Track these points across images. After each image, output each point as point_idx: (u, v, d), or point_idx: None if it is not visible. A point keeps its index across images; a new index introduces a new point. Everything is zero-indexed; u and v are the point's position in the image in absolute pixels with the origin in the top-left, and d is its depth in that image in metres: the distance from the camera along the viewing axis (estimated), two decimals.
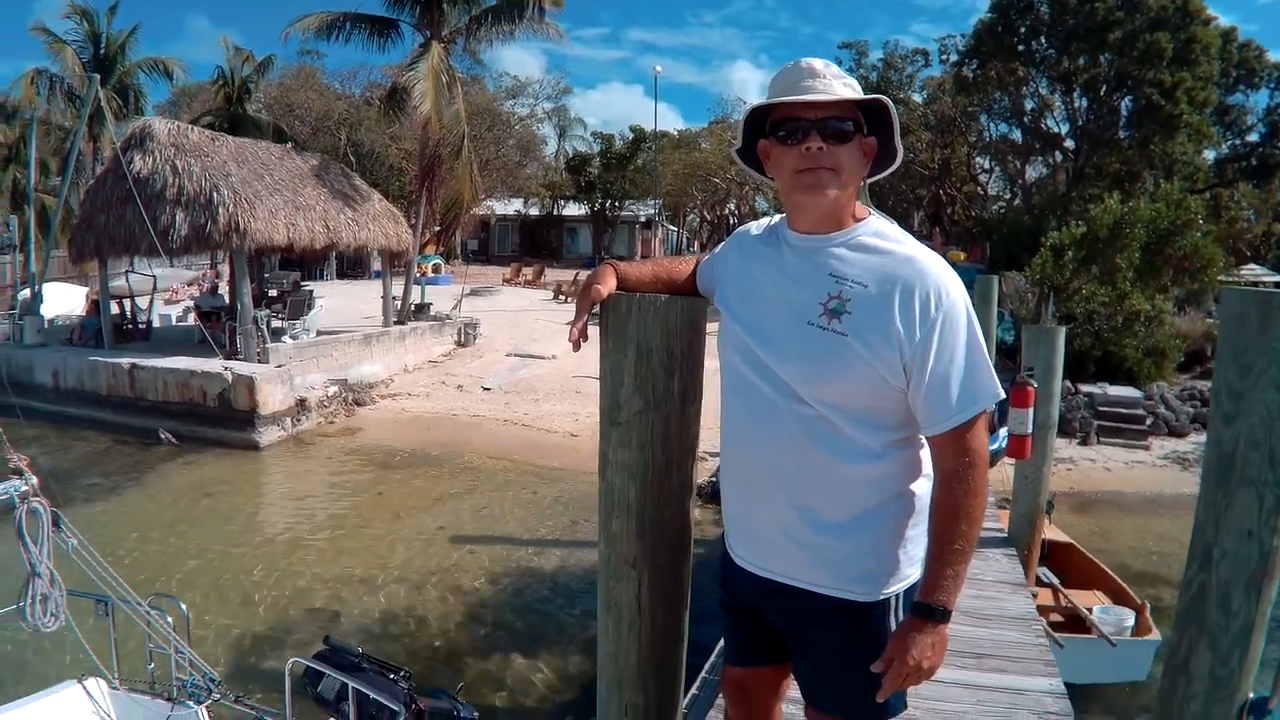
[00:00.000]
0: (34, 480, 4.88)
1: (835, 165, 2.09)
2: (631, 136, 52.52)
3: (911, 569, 2.27)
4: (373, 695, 4.61)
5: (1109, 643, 7.48)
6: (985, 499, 2.12)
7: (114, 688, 5.62)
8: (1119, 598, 8.67)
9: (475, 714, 5.02)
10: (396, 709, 4.58)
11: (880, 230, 2.18)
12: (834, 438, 2.13)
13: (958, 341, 2.05)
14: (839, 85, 2.11)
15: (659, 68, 52.74)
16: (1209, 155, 33.86)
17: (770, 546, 2.30)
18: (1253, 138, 34.46)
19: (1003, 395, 2.14)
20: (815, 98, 2.07)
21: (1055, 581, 8.40)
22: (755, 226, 2.43)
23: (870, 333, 2.05)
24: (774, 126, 2.16)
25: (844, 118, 2.10)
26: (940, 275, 2.07)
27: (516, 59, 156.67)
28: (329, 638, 5.34)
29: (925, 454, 2.23)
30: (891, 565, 2.23)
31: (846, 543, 2.20)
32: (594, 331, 2.27)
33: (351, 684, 4.64)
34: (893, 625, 2.23)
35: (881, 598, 2.24)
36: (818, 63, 2.15)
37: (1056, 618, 7.88)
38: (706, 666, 5.33)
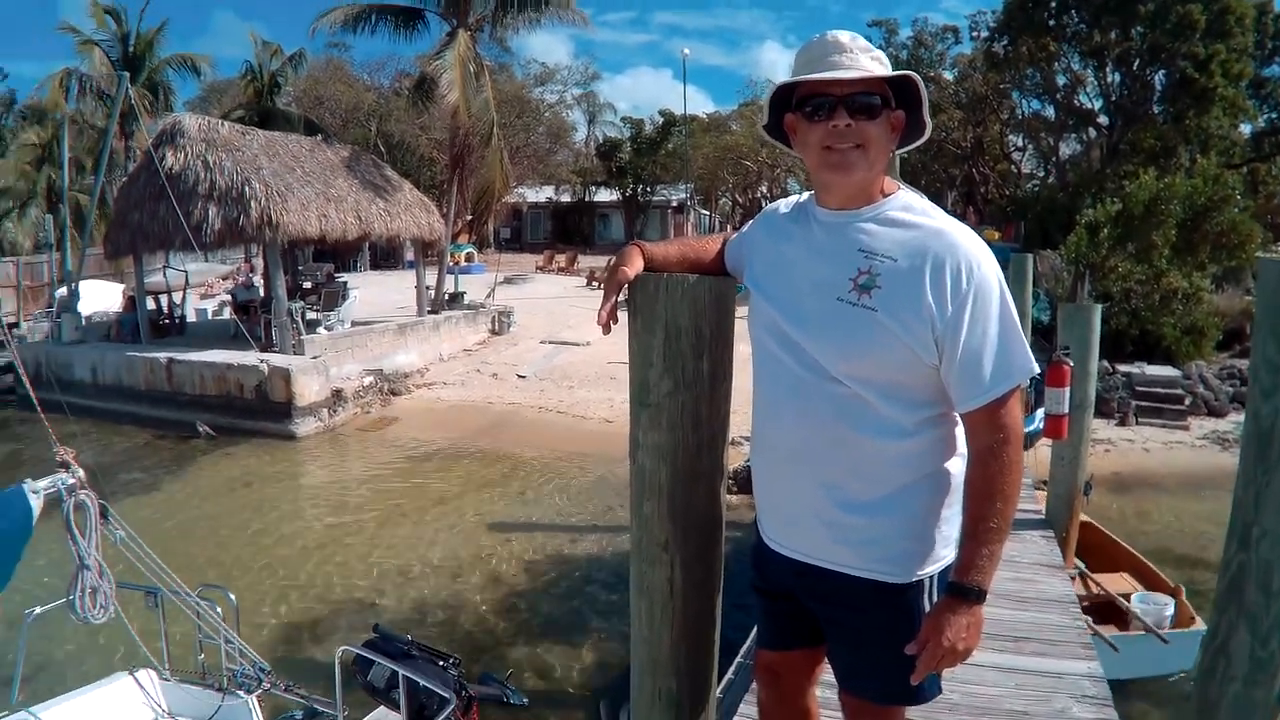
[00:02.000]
0: (80, 473, 4.89)
1: (863, 141, 2.04)
2: (661, 121, 52.23)
3: (946, 550, 2.23)
4: (423, 683, 4.61)
5: (1161, 639, 7.28)
6: (1020, 476, 2.07)
7: (165, 678, 5.67)
8: (1148, 580, 8.48)
9: (525, 700, 5.03)
10: (447, 696, 4.58)
11: (909, 204, 2.13)
12: (865, 415, 2.09)
13: (990, 316, 2.01)
14: (866, 59, 2.07)
15: (687, 50, 52.29)
16: (1245, 129, 33.36)
17: (801, 528, 2.28)
18: None
19: (1037, 371, 2.09)
20: (843, 74, 2.02)
21: (1082, 566, 8.22)
22: (784, 204, 2.39)
23: (901, 308, 2.01)
24: (800, 101, 2.10)
25: (872, 92, 2.05)
26: (971, 248, 2.03)
27: (544, 45, 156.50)
28: (378, 626, 5.35)
29: (959, 432, 2.19)
30: (926, 546, 2.20)
31: (879, 523, 2.17)
32: (624, 317, 2.26)
33: (402, 671, 4.64)
34: (927, 607, 2.19)
35: (915, 579, 2.21)
36: (844, 35, 2.10)
37: (1086, 605, 7.70)
38: (742, 651, 5.32)
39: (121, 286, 26.08)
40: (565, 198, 53.88)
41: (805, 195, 2.34)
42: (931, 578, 2.23)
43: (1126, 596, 7.91)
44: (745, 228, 2.48)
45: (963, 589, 2.05)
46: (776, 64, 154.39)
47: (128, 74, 25.35)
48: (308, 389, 16.77)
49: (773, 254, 2.29)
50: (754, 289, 2.31)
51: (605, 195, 53.80)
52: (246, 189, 17.65)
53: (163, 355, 17.93)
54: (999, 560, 2.08)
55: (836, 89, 2.04)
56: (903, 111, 2.13)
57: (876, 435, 2.10)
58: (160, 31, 35.79)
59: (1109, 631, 7.23)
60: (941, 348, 2.02)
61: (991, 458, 2.04)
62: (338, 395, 17.74)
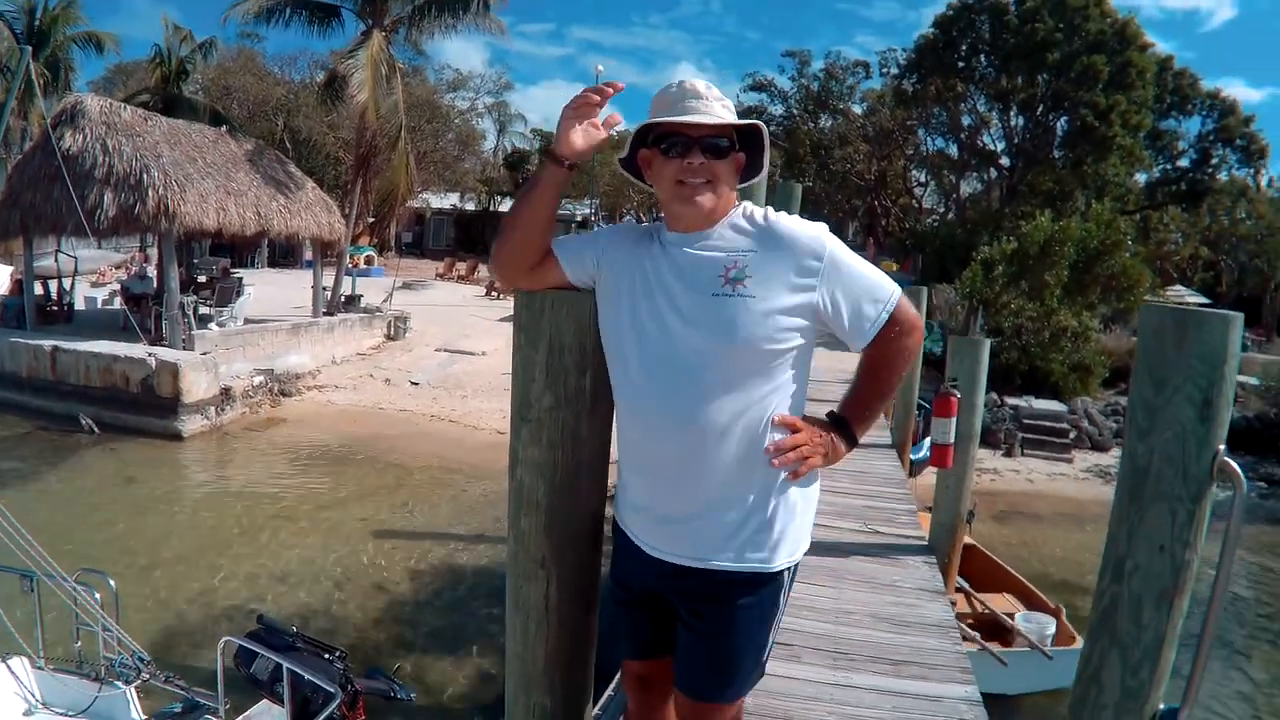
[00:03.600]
0: None
1: (712, 177, 2.26)
2: None
3: (804, 542, 2.43)
4: (307, 676, 4.51)
5: (1045, 655, 7.52)
6: (910, 358, 2.37)
7: (39, 667, 5.50)
8: (1030, 601, 8.79)
9: (412, 694, 4.97)
10: (332, 690, 4.49)
11: (748, 210, 2.35)
12: (742, 414, 2.24)
13: (851, 267, 2.27)
14: (719, 107, 2.29)
15: (600, 67, 52.68)
16: (1140, 178, 34.50)
17: (681, 530, 2.33)
18: (1183, 163, 35.02)
19: (900, 290, 2.34)
20: (701, 119, 2.24)
21: (965, 585, 8.47)
22: (631, 228, 2.52)
23: (773, 288, 2.22)
24: (657, 139, 2.32)
25: (721, 135, 2.28)
26: (813, 226, 2.31)
27: (459, 51, 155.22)
28: (262, 616, 5.23)
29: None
30: (792, 535, 2.36)
31: (753, 517, 2.30)
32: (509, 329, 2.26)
33: (285, 664, 4.54)
34: (782, 600, 2.41)
35: (780, 568, 2.36)
36: (700, 84, 2.33)
37: (972, 623, 7.93)
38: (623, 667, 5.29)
39: (9, 269, 25.27)
40: (470, 206, 53.52)
41: (652, 224, 2.50)
42: (789, 570, 2.41)
43: (1010, 616, 8.13)
44: (581, 236, 2.58)
45: (840, 420, 2.38)
46: None
47: (30, 48, 24.57)
48: (196, 385, 16.38)
49: (634, 267, 2.37)
50: (618, 298, 2.36)
51: (510, 206, 53.62)
52: (145, 176, 17.20)
53: (48, 343, 17.36)
54: (874, 417, 2.47)
55: (692, 131, 2.26)
56: (744, 154, 2.36)
57: (755, 431, 2.25)
58: (70, 7, 34.82)
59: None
60: (824, 309, 2.26)
61: (886, 344, 2.31)
62: (226, 393, 17.37)
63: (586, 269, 2.43)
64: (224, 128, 23.98)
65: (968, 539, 9.62)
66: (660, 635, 2.56)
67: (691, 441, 2.24)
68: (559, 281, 2.41)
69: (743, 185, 2.43)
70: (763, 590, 2.37)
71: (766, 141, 2.39)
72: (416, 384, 20.15)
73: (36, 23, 34.01)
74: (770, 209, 2.38)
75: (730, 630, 2.40)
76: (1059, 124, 32.00)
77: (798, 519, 2.38)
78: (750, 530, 2.30)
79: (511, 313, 2.35)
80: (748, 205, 2.37)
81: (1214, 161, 34.40)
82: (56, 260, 21.92)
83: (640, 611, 2.56)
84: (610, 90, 2.31)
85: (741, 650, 2.42)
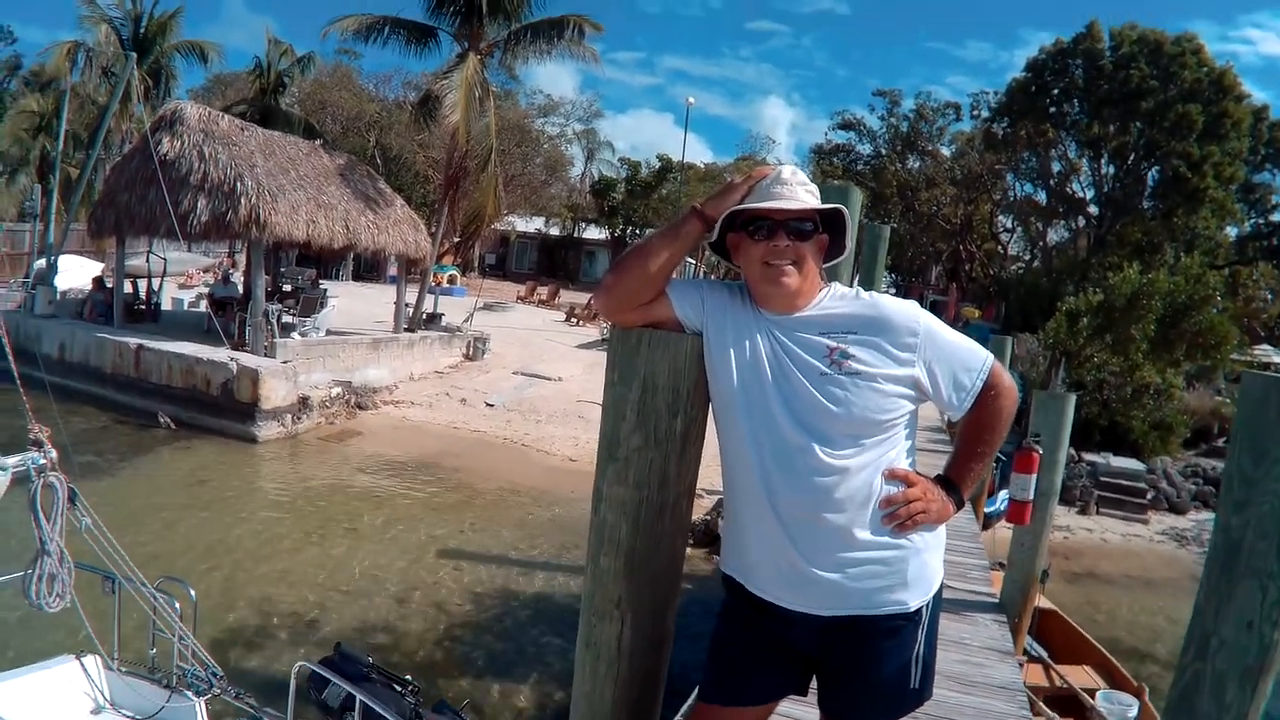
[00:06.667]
0: (53, 454, 4.78)
1: (798, 258, 2.39)
2: (658, 165, 52.54)
3: (936, 580, 2.50)
4: (377, 708, 4.54)
5: None
6: (1009, 418, 2.51)
7: (111, 668, 5.54)
8: (1111, 676, 8.47)
9: None
10: None
11: (838, 291, 2.49)
12: (861, 473, 2.31)
13: (945, 339, 2.43)
14: (803, 192, 2.42)
15: (691, 99, 52.38)
16: (1231, 232, 33.87)
17: (825, 586, 2.37)
18: (1276, 217, 34.42)
19: (991, 357, 2.50)
20: (785, 205, 2.38)
21: (1044, 655, 8.22)
22: (721, 283, 2.60)
23: (877, 364, 2.33)
24: (745, 223, 2.44)
25: (805, 219, 2.41)
26: (905, 303, 2.46)
27: (550, 75, 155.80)
28: (340, 645, 5.28)
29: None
30: (924, 575, 2.44)
31: (882, 565, 2.37)
32: (599, 357, 2.28)
33: (358, 695, 4.57)
34: (921, 635, 2.47)
35: (916, 607, 2.44)
36: (786, 170, 2.49)
37: (1047, 697, 7.65)
38: (683, 710, 5.25)
39: (99, 265, 25.88)
40: (555, 231, 54.02)
41: (736, 282, 2.59)
42: (928, 604, 2.49)
43: (1090, 692, 7.84)
44: (690, 281, 2.60)
45: (949, 483, 2.49)
46: (779, 120, 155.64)
47: (135, 55, 25.24)
48: (274, 392, 16.66)
49: (741, 330, 2.44)
50: (727, 358, 2.41)
51: (594, 233, 53.94)
52: (239, 185, 17.61)
53: (133, 341, 17.85)
54: (978, 478, 2.58)
55: (777, 214, 2.39)
56: (827, 236, 2.50)
57: (871, 488, 2.34)
58: (174, 17, 35.72)
59: None
60: (923, 380, 2.39)
61: (984, 409, 2.47)
62: (304, 402, 17.63)
63: (696, 311, 2.50)
64: (318, 141, 24.48)
65: (1048, 603, 9.36)
66: (779, 680, 2.58)
67: (815, 505, 2.32)
68: (663, 319, 2.45)
69: (829, 264, 2.54)
70: (904, 630, 2.45)
71: (849, 224, 2.51)
72: (492, 405, 20.27)
73: (142, 30, 34.90)
74: (861, 288, 2.53)
75: (872, 670, 2.47)
76: (1150, 174, 31.58)
77: (926, 559, 2.45)
78: (881, 577, 2.37)
79: (589, 340, 2.38)
80: (836, 285, 2.51)
81: None
82: (147, 261, 22.46)
83: (768, 655, 2.55)
84: (768, 171, 2.46)
85: (888, 684, 2.48)
